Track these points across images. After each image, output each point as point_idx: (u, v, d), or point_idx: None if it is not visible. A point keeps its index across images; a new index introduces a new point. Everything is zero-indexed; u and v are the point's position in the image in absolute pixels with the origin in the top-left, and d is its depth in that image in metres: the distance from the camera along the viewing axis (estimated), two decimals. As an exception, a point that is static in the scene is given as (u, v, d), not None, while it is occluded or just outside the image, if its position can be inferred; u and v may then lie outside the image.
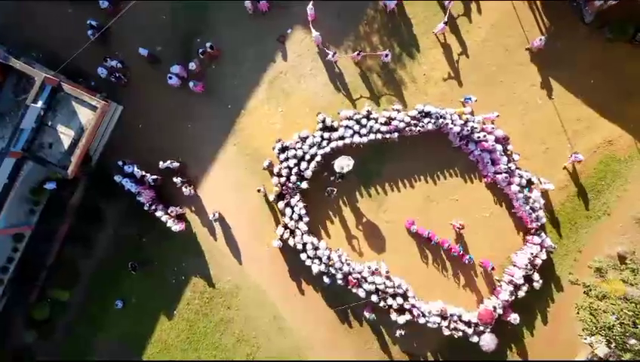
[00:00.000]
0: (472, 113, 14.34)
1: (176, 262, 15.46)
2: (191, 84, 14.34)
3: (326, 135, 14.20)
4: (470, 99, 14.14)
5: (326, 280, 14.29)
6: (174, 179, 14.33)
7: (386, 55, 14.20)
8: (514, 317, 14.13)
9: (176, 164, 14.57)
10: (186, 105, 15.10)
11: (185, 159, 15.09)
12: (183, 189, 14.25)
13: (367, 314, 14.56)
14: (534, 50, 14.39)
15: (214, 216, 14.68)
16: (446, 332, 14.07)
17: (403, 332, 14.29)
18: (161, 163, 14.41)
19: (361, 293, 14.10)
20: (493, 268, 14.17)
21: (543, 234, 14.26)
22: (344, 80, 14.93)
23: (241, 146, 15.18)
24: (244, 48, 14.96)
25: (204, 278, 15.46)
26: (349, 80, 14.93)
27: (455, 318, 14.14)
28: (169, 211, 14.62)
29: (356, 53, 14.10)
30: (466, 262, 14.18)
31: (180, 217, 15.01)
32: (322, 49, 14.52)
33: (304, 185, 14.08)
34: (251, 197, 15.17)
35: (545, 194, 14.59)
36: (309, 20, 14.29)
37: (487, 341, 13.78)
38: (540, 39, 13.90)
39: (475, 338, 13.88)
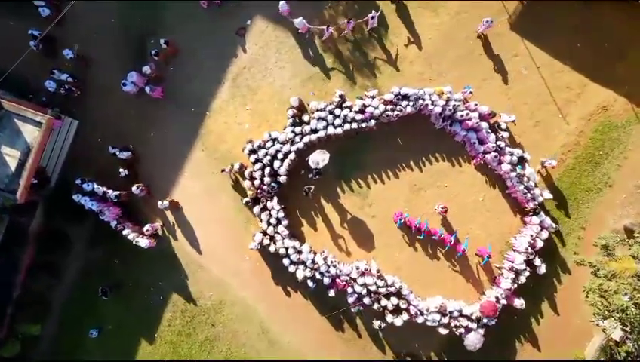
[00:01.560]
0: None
1: (152, 282, 14.36)
2: (147, 89, 13.29)
3: (298, 130, 13.14)
4: (468, 88, 13.11)
5: (310, 284, 13.19)
6: (120, 170, 13.40)
7: (372, 17, 13.04)
8: (520, 303, 13.03)
9: (127, 154, 13.45)
10: (147, 113, 14.04)
11: (149, 170, 14.03)
12: (133, 189, 13.22)
13: (375, 324, 13.33)
14: (484, 34, 13.45)
15: (163, 204, 13.40)
16: (445, 331, 12.94)
17: (383, 325, 13.14)
18: (110, 148, 13.40)
19: (350, 299, 13.04)
20: (489, 256, 13.04)
21: (541, 213, 13.16)
22: (312, 69, 13.89)
23: (209, 151, 14.11)
24: (202, 46, 13.91)
25: (183, 296, 14.35)
26: (318, 69, 13.89)
27: (456, 314, 13.03)
28: (144, 230, 13.55)
29: (346, 20, 13.00)
30: (461, 251, 13.07)
31: (155, 234, 13.94)
32: (313, 31, 13.51)
33: (282, 179, 13.00)
34: (226, 204, 14.11)
35: (541, 171, 13.58)
36: (284, 14, 13.36)
37: (472, 340, 12.66)
38: (487, 21, 12.90)
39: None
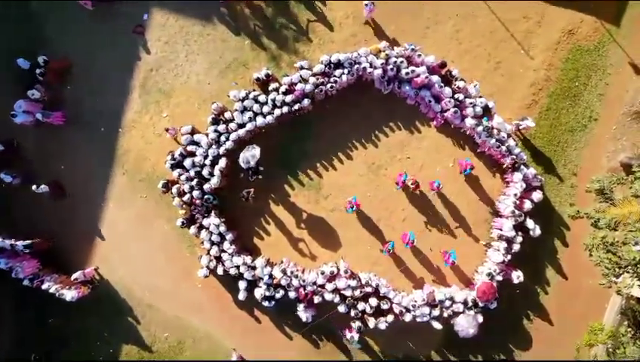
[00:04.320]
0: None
1: (97, 335, 12.37)
2: (39, 116, 11.28)
3: (222, 128, 11.18)
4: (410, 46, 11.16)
5: (266, 304, 11.23)
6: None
7: None
8: (517, 276, 11.11)
9: (44, 188, 11.43)
10: (51, 144, 12.05)
11: (64, 211, 12.06)
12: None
13: (348, 336, 11.48)
14: (369, 20, 11.60)
15: (40, 188, 11.35)
16: (440, 326, 11.00)
17: (361, 327, 11.24)
18: (34, 187, 11.36)
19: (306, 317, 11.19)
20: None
21: (522, 167, 11.21)
22: (229, 56, 11.93)
23: (131, 173, 12.14)
24: (97, 55, 11.92)
25: (136, 344, 12.35)
26: (235, 54, 11.93)
27: (447, 303, 11.08)
28: (73, 278, 11.61)
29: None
30: (450, 263, 11.10)
31: (86, 281, 11.97)
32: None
33: (214, 180, 11.05)
34: (163, 229, 12.14)
35: (518, 135, 11.70)
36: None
37: (462, 324, 10.73)
38: (367, 4, 11.03)
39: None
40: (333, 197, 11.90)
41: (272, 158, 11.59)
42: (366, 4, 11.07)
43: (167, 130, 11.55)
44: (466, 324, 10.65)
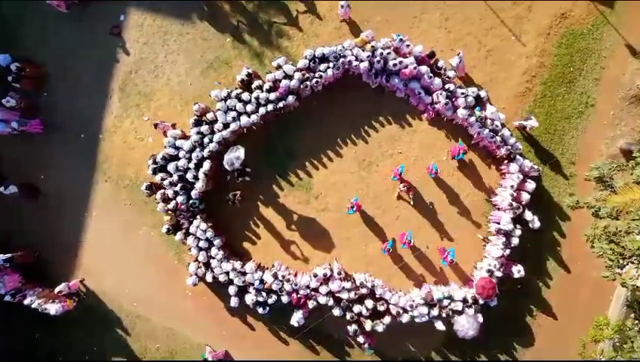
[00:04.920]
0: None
1: (85, 350, 11.98)
2: (14, 125, 10.87)
3: (205, 129, 10.76)
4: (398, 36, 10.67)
5: (260, 310, 10.82)
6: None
7: None
8: (517, 270, 10.69)
9: (13, 189, 11.03)
10: (30, 154, 11.65)
11: (47, 223, 11.66)
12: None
13: (366, 346, 10.97)
14: (345, 19, 11.16)
15: (9, 189, 11.02)
16: (442, 327, 10.60)
17: (358, 331, 10.77)
18: (1, 188, 10.99)
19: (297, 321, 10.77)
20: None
21: (518, 157, 10.78)
22: (210, 54, 11.51)
23: (114, 180, 11.73)
24: (73, 59, 11.52)
25: (127, 356, 11.97)
26: (216, 53, 11.51)
27: (446, 302, 10.66)
28: (57, 291, 11.20)
29: None
30: (449, 262, 10.63)
31: (71, 294, 11.56)
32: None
33: (199, 184, 10.60)
34: (149, 237, 11.75)
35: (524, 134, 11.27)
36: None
37: (463, 325, 10.29)
38: (342, 5, 10.66)
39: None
40: (323, 196, 11.48)
41: (258, 159, 11.19)
42: (341, 5, 10.66)
43: (155, 125, 11.04)
44: (467, 325, 10.23)
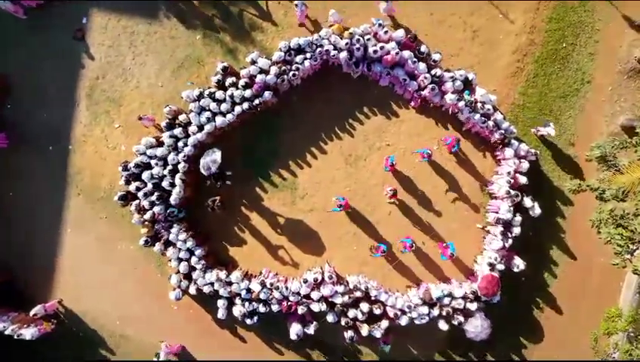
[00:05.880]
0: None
1: (71, 372, 11.33)
2: (-26, 141, 10.26)
3: (178, 131, 10.10)
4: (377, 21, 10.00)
5: (249, 322, 10.14)
6: None
7: None
8: (517, 264, 10.04)
9: None
10: (-5, 170, 11.03)
11: (20, 241, 11.00)
12: None
13: (382, 345, 10.32)
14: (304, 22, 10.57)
15: None
16: (445, 326, 9.93)
17: (355, 337, 10.09)
18: None
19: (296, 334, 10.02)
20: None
21: (513, 141, 10.12)
22: (181, 53, 10.85)
23: (87, 192, 11.06)
24: (36, 67, 10.85)
25: (112, 378, 11.32)
26: (187, 51, 10.85)
27: (446, 300, 9.98)
28: (32, 314, 10.53)
29: None
30: (449, 256, 9.98)
31: (49, 316, 10.90)
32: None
33: (176, 191, 9.96)
34: (127, 251, 11.06)
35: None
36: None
37: (477, 326, 9.66)
38: (297, 5, 10.05)
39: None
40: (310, 196, 10.82)
41: (238, 161, 10.55)
42: (296, 5, 10.01)
43: (140, 118, 10.31)
44: (480, 328, 9.60)
